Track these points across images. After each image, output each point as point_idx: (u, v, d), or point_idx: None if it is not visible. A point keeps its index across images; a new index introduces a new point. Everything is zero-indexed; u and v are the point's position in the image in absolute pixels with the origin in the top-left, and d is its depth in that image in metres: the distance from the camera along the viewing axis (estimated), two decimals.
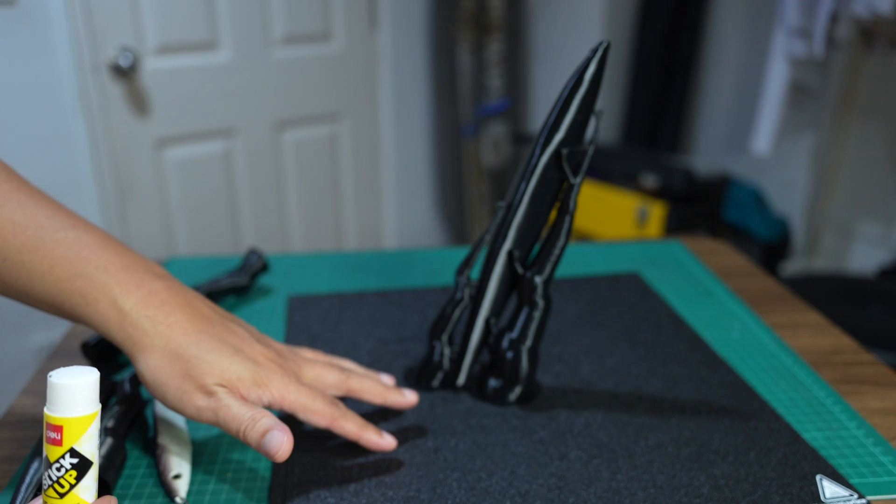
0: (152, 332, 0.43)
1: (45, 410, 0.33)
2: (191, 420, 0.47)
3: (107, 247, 0.44)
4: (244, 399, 0.43)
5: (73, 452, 0.33)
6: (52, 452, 0.33)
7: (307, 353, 0.52)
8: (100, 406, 0.34)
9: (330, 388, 0.49)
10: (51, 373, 0.33)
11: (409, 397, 0.51)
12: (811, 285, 1.47)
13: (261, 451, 0.41)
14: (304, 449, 0.49)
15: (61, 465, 0.33)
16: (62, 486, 0.34)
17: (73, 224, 0.44)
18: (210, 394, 0.42)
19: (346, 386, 0.49)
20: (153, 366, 0.43)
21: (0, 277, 0.43)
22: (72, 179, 1.55)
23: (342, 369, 0.50)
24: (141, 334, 0.43)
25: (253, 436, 0.41)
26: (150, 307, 0.43)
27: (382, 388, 0.50)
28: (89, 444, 0.34)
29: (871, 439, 0.51)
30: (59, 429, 0.33)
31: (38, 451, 0.45)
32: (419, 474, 0.47)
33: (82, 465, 0.34)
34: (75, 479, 0.34)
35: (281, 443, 0.41)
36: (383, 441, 0.47)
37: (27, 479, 0.43)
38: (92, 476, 0.34)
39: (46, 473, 0.34)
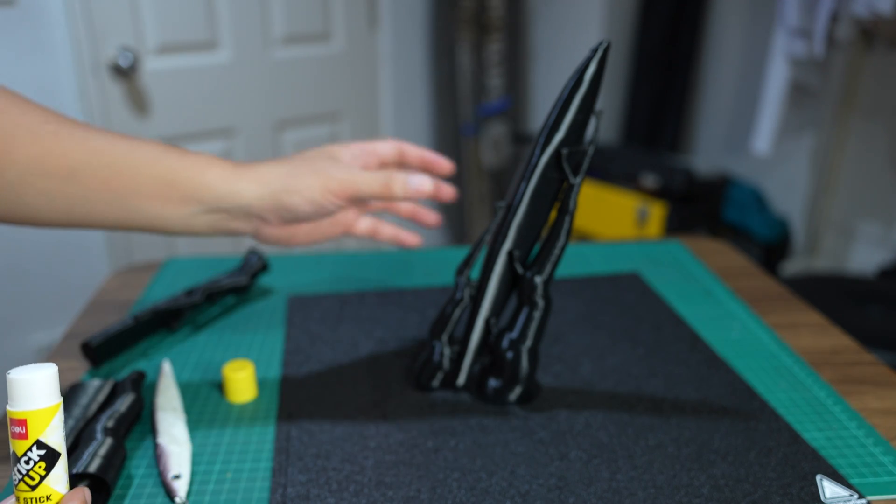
0: (269, 164, 0.51)
1: (8, 408, 0.34)
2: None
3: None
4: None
5: (40, 444, 0.34)
6: (18, 447, 0.34)
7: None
8: (61, 399, 0.35)
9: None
10: (9, 371, 0.34)
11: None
12: (811, 285, 1.47)
13: (408, 195, 0.51)
14: (304, 448, 0.49)
15: (29, 458, 0.34)
16: (32, 479, 0.34)
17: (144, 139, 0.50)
18: (340, 167, 0.52)
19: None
20: (291, 170, 0.51)
21: (108, 185, 0.46)
22: None
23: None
24: (256, 164, 0.51)
25: (399, 184, 0.51)
26: (253, 162, 0.52)
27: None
28: (55, 436, 0.34)
29: (871, 439, 0.51)
30: (22, 422, 0.34)
31: None
32: (419, 474, 0.47)
33: (50, 456, 0.34)
34: (45, 469, 0.34)
35: (423, 181, 0.52)
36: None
37: None
38: (62, 466, 0.35)
39: (16, 468, 0.34)
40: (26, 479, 0.34)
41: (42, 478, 0.34)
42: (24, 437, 0.34)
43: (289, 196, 0.49)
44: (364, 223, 0.61)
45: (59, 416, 0.35)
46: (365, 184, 0.50)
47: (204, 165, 0.49)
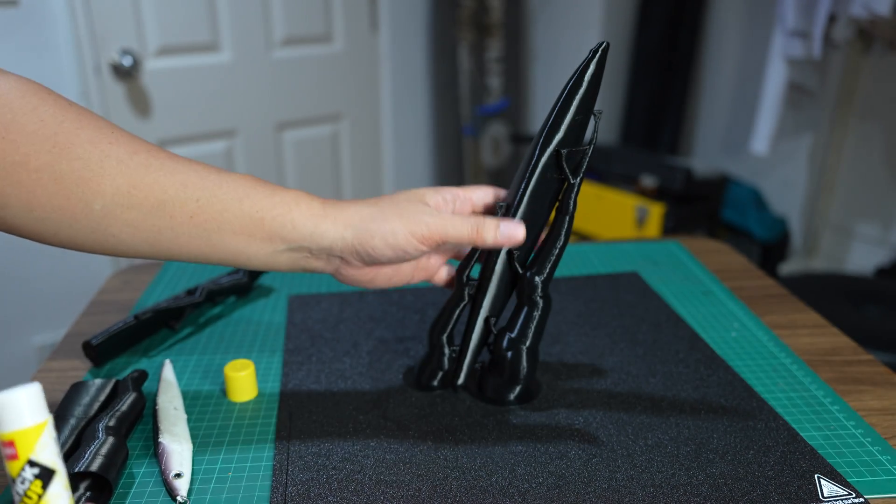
0: (356, 205, 0.49)
1: None
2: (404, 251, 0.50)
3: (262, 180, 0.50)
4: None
5: (32, 463, 0.34)
6: (12, 468, 0.34)
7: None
8: (49, 416, 0.34)
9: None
10: None
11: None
12: (809, 285, 1.47)
13: (500, 242, 0.49)
14: (304, 448, 0.49)
15: (24, 478, 0.34)
16: (30, 498, 0.34)
17: (238, 173, 0.49)
18: (430, 212, 0.49)
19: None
20: (370, 213, 0.49)
21: (194, 220, 0.46)
22: None
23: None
24: (344, 205, 0.49)
25: (489, 231, 0.49)
26: (341, 202, 0.50)
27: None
28: (46, 453, 0.34)
29: (869, 438, 0.51)
30: (11, 444, 0.33)
31: None
32: (419, 473, 0.47)
33: (45, 474, 0.34)
34: (42, 487, 0.34)
35: (515, 226, 0.49)
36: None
37: None
38: (60, 483, 0.35)
39: (14, 490, 0.34)
40: (25, 499, 0.34)
41: (40, 496, 0.34)
42: (16, 457, 0.34)
43: (371, 239, 0.48)
44: (446, 271, 0.56)
45: (48, 432, 0.34)
46: (454, 229, 0.48)
47: (291, 203, 0.47)
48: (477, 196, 0.53)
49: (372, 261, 0.49)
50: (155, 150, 0.46)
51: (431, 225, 0.48)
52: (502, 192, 0.54)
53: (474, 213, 0.54)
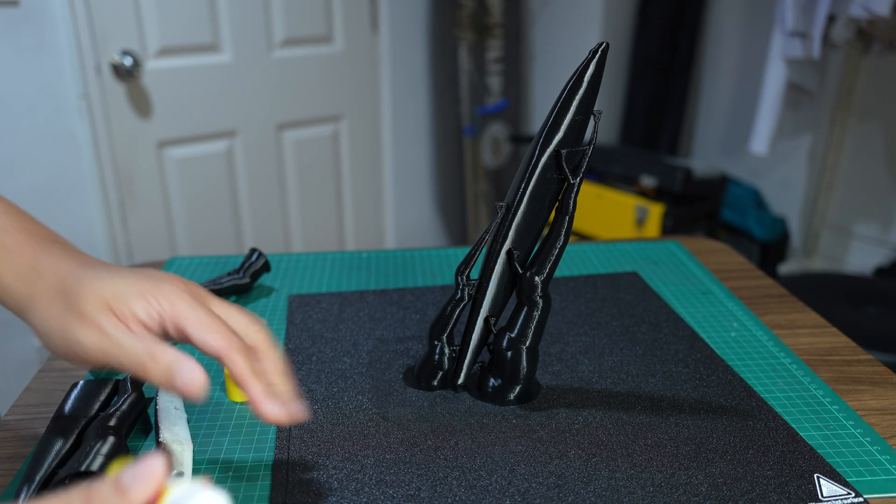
0: (38, 282, 0.40)
1: None
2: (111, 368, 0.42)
3: (6, 212, 0.43)
4: (133, 324, 0.38)
5: None
6: None
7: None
8: None
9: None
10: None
11: (286, 410, 0.39)
12: (809, 285, 1.47)
13: (173, 392, 0.37)
14: (304, 447, 0.50)
15: None
16: None
17: None
18: (95, 327, 0.37)
19: (251, 338, 0.41)
20: (40, 313, 0.39)
21: None
22: (74, 179, 1.55)
23: (256, 319, 0.43)
24: (28, 284, 0.40)
25: (157, 374, 0.37)
26: (41, 258, 0.41)
27: (282, 371, 0.41)
28: None
29: (868, 438, 0.51)
30: None
31: (40, 449, 0.46)
32: (419, 473, 0.47)
33: None
34: None
35: (194, 377, 0.36)
36: (275, 409, 0.38)
37: (31, 477, 0.43)
38: None
39: None
40: None
41: None
42: None
43: (53, 346, 0.39)
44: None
45: None
46: (121, 355, 0.37)
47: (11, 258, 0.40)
48: (196, 336, 0.39)
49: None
50: None
51: (89, 346, 0.38)
52: (231, 360, 0.39)
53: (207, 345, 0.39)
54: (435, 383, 0.56)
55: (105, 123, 1.57)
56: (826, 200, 2.14)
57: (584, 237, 2.11)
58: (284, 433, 0.51)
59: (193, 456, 0.49)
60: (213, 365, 0.61)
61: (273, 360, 0.41)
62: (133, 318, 0.38)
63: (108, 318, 0.38)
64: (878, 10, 1.53)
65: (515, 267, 0.54)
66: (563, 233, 0.53)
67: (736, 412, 0.54)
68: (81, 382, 0.53)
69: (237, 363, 0.39)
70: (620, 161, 2.04)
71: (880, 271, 1.94)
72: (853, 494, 0.45)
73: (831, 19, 1.64)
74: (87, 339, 0.38)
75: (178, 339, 0.40)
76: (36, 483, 0.43)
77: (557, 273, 0.77)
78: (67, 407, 0.50)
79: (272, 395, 0.39)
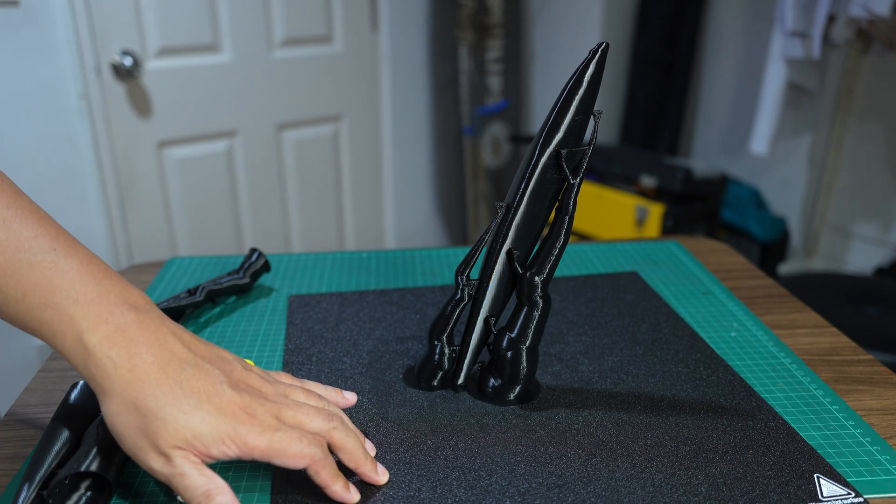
0: (114, 376, 0.40)
1: None
2: None
3: (84, 274, 0.42)
4: (203, 459, 0.40)
5: None
6: None
7: (298, 393, 0.47)
8: None
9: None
10: None
11: (381, 476, 0.46)
12: (809, 285, 1.47)
13: None
14: None
15: None
16: None
17: (55, 247, 0.42)
18: (166, 457, 0.40)
19: (328, 436, 0.44)
20: (112, 412, 0.40)
21: None
22: (74, 180, 1.55)
23: (330, 416, 0.45)
24: (103, 376, 0.40)
25: None
26: (115, 346, 0.40)
27: (362, 455, 0.45)
28: None
29: (868, 438, 0.51)
30: None
31: (40, 449, 0.46)
32: (419, 473, 0.47)
33: None
34: None
35: None
36: (348, 495, 0.44)
37: (30, 477, 0.43)
38: None
39: None
40: None
41: None
42: None
43: (120, 443, 0.41)
44: None
45: None
46: (181, 486, 0.40)
47: (59, 329, 0.40)
48: (280, 464, 0.42)
49: None
50: None
51: (157, 471, 0.40)
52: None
53: None
54: (435, 383, 0.56)
55: (105, 123, 1.57)
56: (826, 200, 2.14)
57: (584, 237, 2.11)
58: None
59: None
60: None
61: (351, 453, 0.45)
62: (209, 456, 0.41)
63: (181, 455, 0.40)
64: (878, 10, 1.53)
65: (515, 267, 0.54)
66: (563, 233, 0.53)
67: (736, 412, 0.54)
68: (81, 382, 0.53)
69: (320, 475, 0.43)
70: (620, 161, 2.04)
71: (880, 271, 1.94)
72: (853, 494, 0.45)
73: (831, 19, 1.64)
74: (156, 466, 0.40)
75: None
76: (36, 483, 0.43)
77: (557, 273, 0.77)
78: (67, 407, 0.50)
79: (349, 490, 0.44)
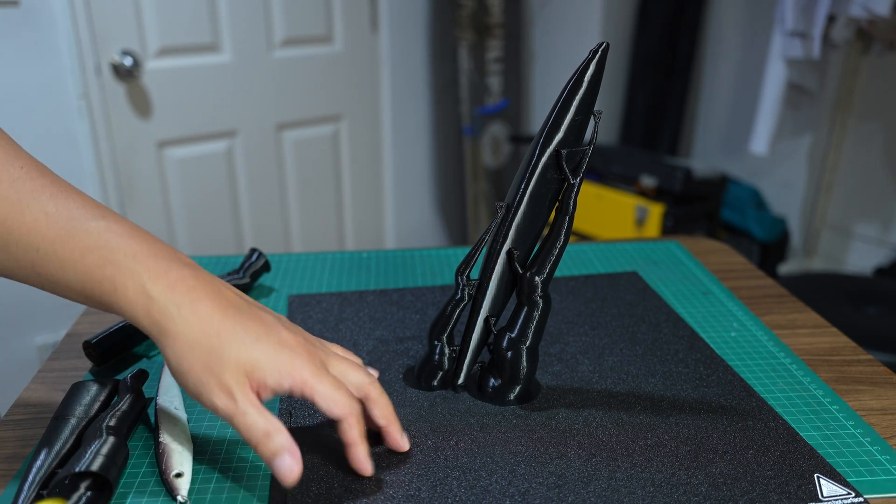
0: (178, 319, 0.43)
1: None
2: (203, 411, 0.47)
3: (135, 235, 0.45)
4: (261, 393, 0.43)
5: None
6: None
7: (337, 349, 0.51)
8: None
9: (350, 387, 0.47)
10: None
11: (404, 441, 0.49)
12: (809, 285, 1.47)
13: (270, 466, 0.42)
14: (305, 448, 0.50)
15: None
16: None
17: (104, 215, 0.45)
18: (229, 394, 0.42)
19: (365, 391, 0.47)
20: (177, 353, 0.43)
21: (34, 268, 0.44)
22: (74, 179, 1.54)
23: (367, 373, 0.49)
24: (167, 320, 0.43)
25: (265, 453, 0.42)
26: (177, 293, 0.43)
27: (393, 413, 0.48)
28: None
29: (868, 438, 0.51)
30: None
31: (40, 449, 0.46)
32: (419, 473, 0.47)
33: None
34: None
35: (291, 470, 0.42)
36: (367, 463, 0.46)
37: (30, 477, 0.43)
38: None
39: None
40: None
41: None
42: None
43: (170, 367, 0.44)
44: None
45: None
46: (242, 426, 0.42)
47: (121, 282, 0.43)
48: (321, 405, 0.44)
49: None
50: (23, 178, 0.43)
51: (220, 409, 0.43)
52: (375, 403, 0.47)
53: None
54: (435, 383, 0.56)
55: (105, 123, 1.57)
56: (826, 200, 2.14)
57: (584, 237, 2.11)
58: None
59: (193, 456, 0.49)
60: None
61: (384, 408, 0.48)
62: (265, 388, 0.43)
63: (241, 389, 0.42)
64: (878, 10, 1.53)
65: (515, 267, 0.54)
66: (563, 233, 0.53)
67: (736, 412, 0.54)
68: (82, 382, 0.53)
69: (352, 429, 0.45)
70: (620, 161, 2.04)
71: (880, 271, 1.94)
72: (853, 494, 0.45)
73: (831, 19, 1.64)
74: (220, 403, 0.42)
75: (302, 399, 0.46)
76: (36, 483, 0.43)
77: (557, 273, 0.77)
78: (67, 407, 0.50)
79: (369, 458, 0.46)
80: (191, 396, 0.44)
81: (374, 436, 0.49)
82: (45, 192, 0.44)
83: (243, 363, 0.43)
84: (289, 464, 0.42)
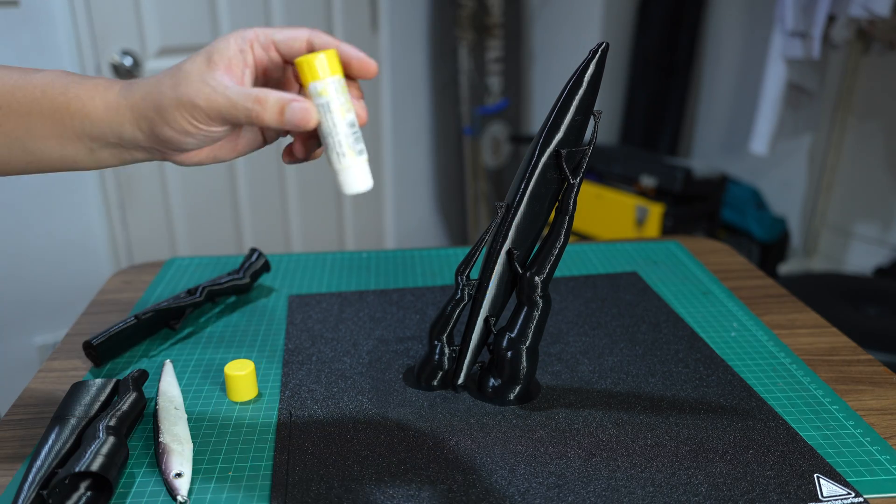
0: (128, 101, 0.43)
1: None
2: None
3: (81, 75, 0.46)
4: (235, 67, 0.42)
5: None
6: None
7: None
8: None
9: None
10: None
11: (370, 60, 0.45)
12: (809, 285, 1.47)
13: (286, 127, 0.41)
14: (304, 448, 0.50)
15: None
16: None
17: (38, 69, 0.46)
18: (201, 85, 0.41)
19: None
20: (151, 107, 0.42)
21: (2, 130, 0.44)
22: (74, 180, 1.55)
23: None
24: (117, 112, 0.43)
25: (270, 115, 0.41)
26: (140, 80, 0.44)
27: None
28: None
29: (868, 438, 0.51)
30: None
31: (40, 449, 0.46)
32: (419, 473, 0.47)
33: None
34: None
35: (304, 107, 0.41)
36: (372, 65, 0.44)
37: (30, 477, 0.43)
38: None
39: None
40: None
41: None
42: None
43: (163, 130, 0.43)
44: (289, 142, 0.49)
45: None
46: (230, 107, 0.41)
47: (86, 97, 0.43)
48: (282, 36, 0.43)
49: (182, 151, 0.45)
50: None
51: (202, 105, 0.41)
52: (320, 37, 0.44)
53: (281, 62, 0.45)
54: (435, 383, 0.56)
55: None
56: (826, 200, 2.14)
57: (584, 237, 2.11)
58: (284, 433, 0.51)
59: (193, 456, 0.49)
60: (214, 365, 0.61)
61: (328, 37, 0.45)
62: (232, 61, 0.42)
63: (211, 74, 0.41)
64: (878, 11, 1.53)
65: (515, 267, 0.54)
66: (563, 233, 0.53)
67: (736, 412, 0.54)
68: (82, 382, 0.53)
69: (327, 37, 0.43)
70: (620, 161, 2.04)
71: (880, 271, 1.94)
72: (853, 494, 0.45)
73: (831, 19, 1.64)
74: (200, 97, 0.41)
75: (271, 58, 0.44)
76: (36, 483, 0.43)
77: (557, 273, 0.77)
78: (67, 407, 0.50)
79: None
80: (188, 129, 0.42)
81: (376, 435, 0.49)
82: None
83: (199, 57, 0.42)
84: (298, 105, 0.41)
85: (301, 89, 0.44)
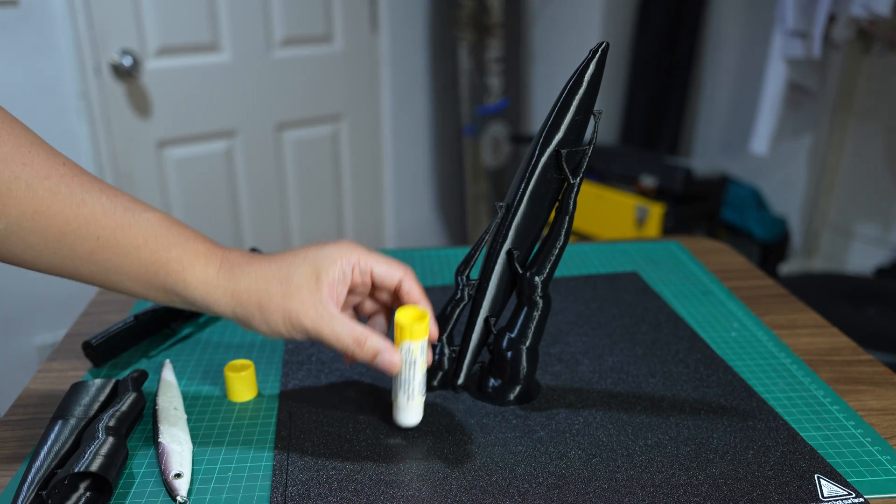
0: (243, 278, 0.47)
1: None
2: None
3: (182, 225, 0.49)
4: (338, 294, 0.47)
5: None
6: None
7: None
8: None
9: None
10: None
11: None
12: (809, 285, 1.47)
13: (375, 367, 0.48)
14: (304, 448, 0.50)
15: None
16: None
17: (151, 208, 0.48)
18: (309, 306, 0.46)
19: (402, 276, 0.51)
20: (260, 317, 0.47)
21: (92, 257, 0.45)
22: None
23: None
24: (238, 271, 0.47)
25: (364, 357, 0.47)
26: (241, 261, 0.48)
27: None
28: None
29: (868, 438, 0.51)
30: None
31: (40, 449, 0.46)
32: (419, 474, 0.47)
33: None
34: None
35: (393, 360, 0.47)
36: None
37: (30, 477, 0.43)
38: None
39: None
40: None
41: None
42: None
43: (256, 323, 0.47)
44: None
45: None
46: (333, 337, 0.47)
47: (186, 263, 0.46)
48: (380, 270, 0.50)
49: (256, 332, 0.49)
50: (69, 175, 0.45)
51: (308, 326, 0.46)
52: (411, 284, 0.50)
53: (374, 287, 0.51)
54: (435, 383, 0.56)
55: (104, 123, 1.57)
56: (826, 200, 2.14)
57: (584, 237, 2.11)
58: (284, 433, 0.51)
59: (193, 456, 0.49)
60: (214, 365, 0.61)
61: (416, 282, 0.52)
62: (336, 283, 0.47)
63: (319, 297, 0.47)
64: (879, 10, 1.53)
65: (515, 267, 0.54)
66: (563, 233, 0.53)
67: (736, 412, 0.54)
68: (82, 382, 0.53)
69: (416, 283, 0.50)
70: (620, 161, 2.04)
71: (880, 271, 1.94)
72: (854, 495, 0.45)
73: (832, 19, 1.64)
74: (309, 319, 0.46)
75: (364, 282, 0.50)
76: (36, 483, 0.43)
77: (557, 273, 0.77)
78: (67, 407, 0.50)
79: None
80: (282, 334, 0.47)
81: (376, 432, 0.49)
82: (94, 186, 0.46)
83: (308, 273, 0.47)
84: (389, 357, 0.47)
85: (381, 310, 0.53)
